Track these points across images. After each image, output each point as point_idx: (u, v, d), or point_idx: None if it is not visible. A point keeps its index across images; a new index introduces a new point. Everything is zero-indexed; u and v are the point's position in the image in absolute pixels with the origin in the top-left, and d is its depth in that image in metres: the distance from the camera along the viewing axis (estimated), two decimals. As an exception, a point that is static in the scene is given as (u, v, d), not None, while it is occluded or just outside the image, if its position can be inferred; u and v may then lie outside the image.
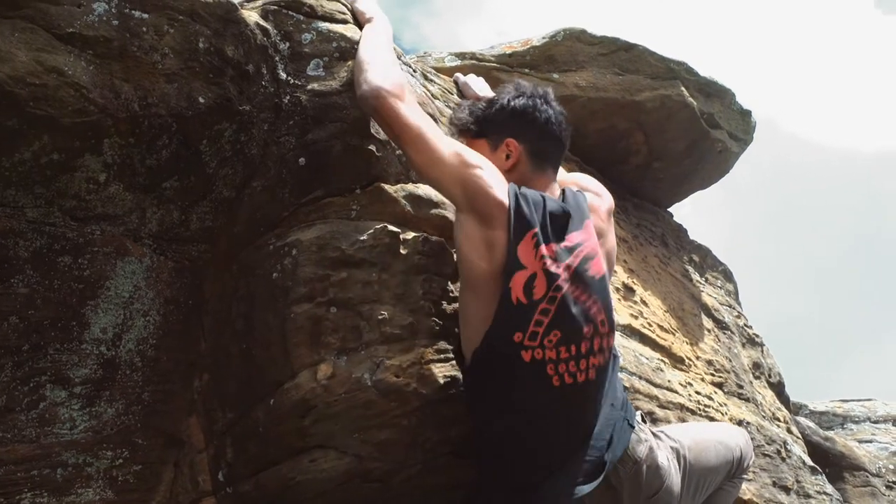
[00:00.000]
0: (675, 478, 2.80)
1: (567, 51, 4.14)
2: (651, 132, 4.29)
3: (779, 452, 3.90)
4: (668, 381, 3.43)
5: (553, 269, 2.59)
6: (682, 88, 4.20)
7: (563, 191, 2.87)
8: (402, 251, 2.80)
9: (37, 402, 2.69)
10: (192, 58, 2.64)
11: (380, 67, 2.75)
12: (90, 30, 2.49)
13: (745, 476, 3.09)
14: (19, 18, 2.42)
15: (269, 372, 2.75)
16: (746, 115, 4.62)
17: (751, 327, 4.80)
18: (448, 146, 2.68)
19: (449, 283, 2.88)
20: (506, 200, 2.61)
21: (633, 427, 2.73)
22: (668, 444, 2.84)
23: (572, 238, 2.69)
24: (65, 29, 2.46)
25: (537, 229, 2.61)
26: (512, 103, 2.94)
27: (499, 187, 2.64)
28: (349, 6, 3.05)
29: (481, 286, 2.61)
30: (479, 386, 2.67)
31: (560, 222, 2.69)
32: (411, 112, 2.67)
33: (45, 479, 2.69)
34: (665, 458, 2.78)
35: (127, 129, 2.59)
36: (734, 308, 4.77)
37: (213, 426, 2.90)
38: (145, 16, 2.58)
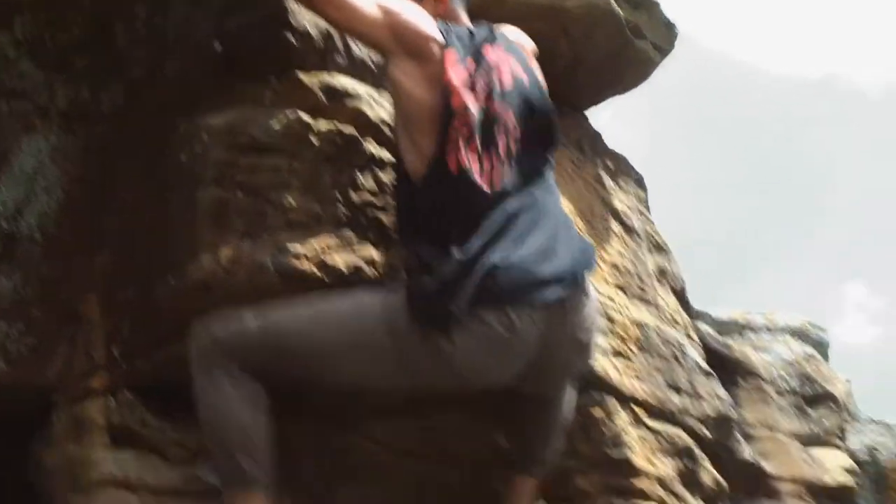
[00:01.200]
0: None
1: (492, -43, 4.14)
2: (576, 39, 4.29)
3: (674, 355, 4.01)
4: (570, 281, 3.51)
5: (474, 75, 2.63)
6: (610, -2, 4.24)
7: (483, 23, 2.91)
8: (314, 140, 2.80)
9: (-69, 276, 2.67)
10: (109, -70, 2.61)
11: None
12: None
13: None
14: None
15: (173, 252, 2.76)
16: (671, 27, 4.64)
17: (658, 234, 4.88)
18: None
19: (358, 173, 2.90)
20: (438, 35, 2.64)
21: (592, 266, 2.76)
22: None
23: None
24: None
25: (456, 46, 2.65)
26: None
27: (428, 24, 2.66)
28: None
29: (426, 119, 2.61)
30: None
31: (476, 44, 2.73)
32: None
33: None
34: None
35: (38, 5, 2.58)
36: (644, 215, 4.84)
37: (111, 303, 2.91)
38: None
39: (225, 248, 2.69)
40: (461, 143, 2.55)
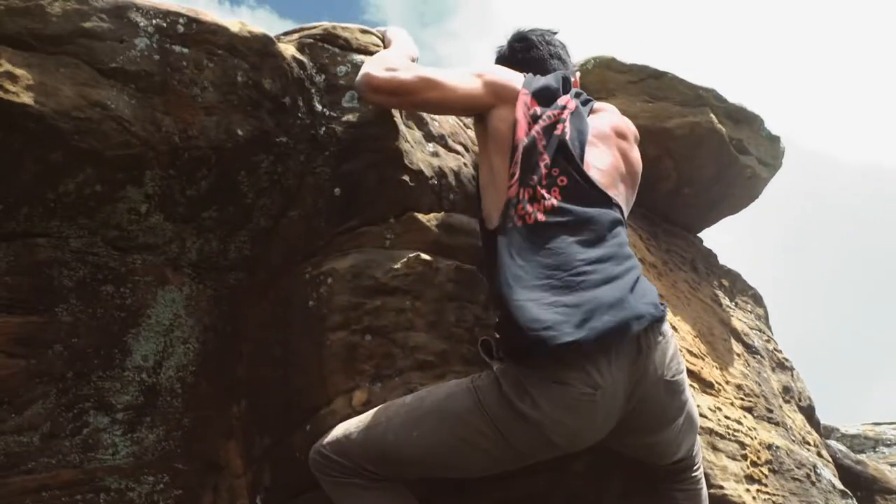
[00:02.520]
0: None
1: (597, 79, 4.21)
2: (680, 158, 4.32)
3: (808, 476, 3.91)
4: (697, 405, 3.46)
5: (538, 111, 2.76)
6: (711, 115, 4.24)
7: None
8: (435, 279, 2.85)
9: (80, 428, 2.77)
10: (230, 91, 2.71)
11: (370, 60, 2.89)
12: (132, 64, 2.57)
13: (687, 481, 3.03)
14: (63, 54, 2.50)
15: (306, 398, 2.80)
16: (775, 140, 4.64)
17: (780, 351, 4.81)
18: (455, 72, 2.83)
19: (482, 310, 2.93)
20: (519, 80, 2.82)
21: (663, 310, 2.70)
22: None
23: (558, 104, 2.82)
24: (108, 64, 2.54)
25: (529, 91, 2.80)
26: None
27: (513, 74, 2.87)
28: (381, 37, 3.11)
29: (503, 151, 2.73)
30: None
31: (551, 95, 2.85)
32: (406, 72, 2.77)
33: None
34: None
35: (168, 161, 2.66)
36: (764, 332, 4.78)
37: (251, 451, 2.96)
38: (185, 50, 2.65)
39: (357, 392, 2.74)
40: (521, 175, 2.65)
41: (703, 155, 4.36)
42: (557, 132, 2.71)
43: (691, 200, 4.57)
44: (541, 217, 2.59)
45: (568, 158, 2.69)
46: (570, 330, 2.41)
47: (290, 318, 2.90)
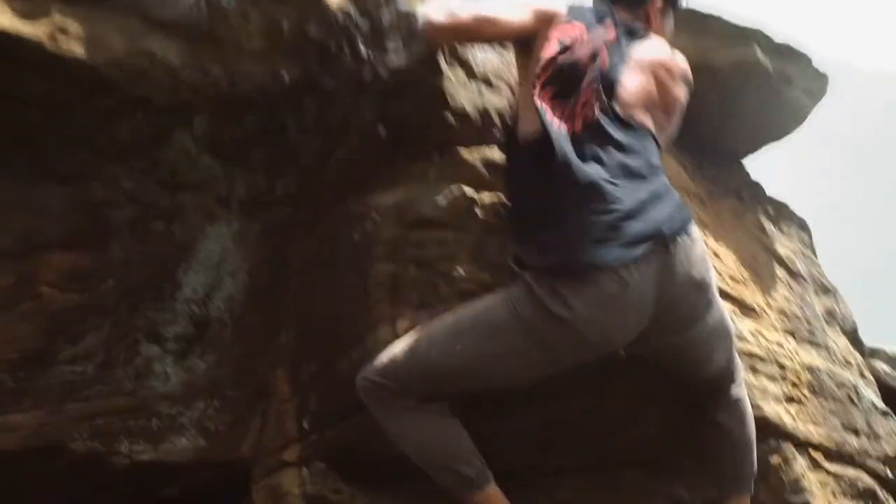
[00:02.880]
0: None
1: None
2: (726, 93, 4.33)
3: (849, 397, 3.97)
4: (739, 330, 3.52)
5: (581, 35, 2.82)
6: (757, 51, 4.26)
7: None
8: (478, 212, 2.92)
9: (133, 358, 2.93)
10: (276, 38, 2.78)
11: (429, 5, 2.95)
12: (179, 14, 2.65)
13: (729, 402, 3.09)
14: (113, 7, 2.59)
15: (352, 326, 2.91)
16: (822, 77, 4.63)
17: (824, 276, 4.84)
18: (507, 8, 2.89)
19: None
20: (563, 10, 2.89)
21: (689, 213, 2.83)
22: None
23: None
24: (156, 14, 2.62)
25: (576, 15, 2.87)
26: None
27: (558, 5, 2.92)
28: None
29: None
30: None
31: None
32: (464, 12, 2.86)
33: (141, 429, 2.94)
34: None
35: (215, 105, 2.77)
36: (808, 257, 4.80)
37: (298, 377, 3.08)
38: (232, 0, 2.73)
39: (401, 320, 2.84)
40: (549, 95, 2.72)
41: (748, 90, 4.37)
42: (594, 57, 2.79)
43: (735, 132, 4.59)
44: (573, 133, 2.68)
45: (602, 82, 2.77)
46: (600, 237, 2.56)
47: (337, 251, 3.02)
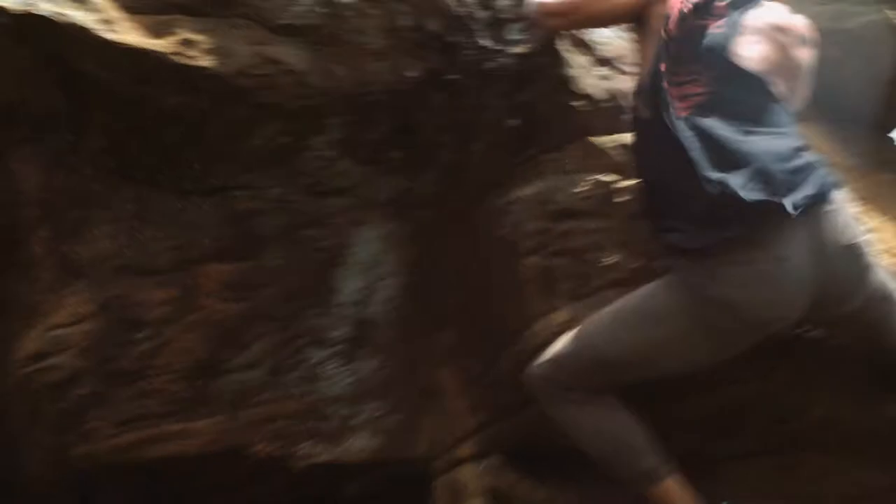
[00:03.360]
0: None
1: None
2: (862, 58, 4.20)
3: None
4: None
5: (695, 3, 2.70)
6: (888, 12, 4.11)
7: None
8: (618, 199, 2.86)
9: (300, 363, 2.97)
10: (396, 35, 2.79)
11: None
12: (300, 19, 2.70)
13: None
14: (236, 16, 2.67)
15: (509, 322, 2.90)
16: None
17: None
18: None
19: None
20: None
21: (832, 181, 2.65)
22: None
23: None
24: (277, 21, 2.68)
25: None
26: None
27: None
28: None
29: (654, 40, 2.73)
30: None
31: None
32: None
33: (316, 431, 2.98)
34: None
35: (345, 108, 2.79)
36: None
37: (465, 375, 3.09)
38: (349, 0, 2.73)
39: (556, 313, 2.80)
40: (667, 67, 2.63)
41: (886, 52, 4.22)
42: (707, 28, 2.69)
43: (879, 99, 4.43)
44: (692, 108, 2.59)
45: (717, 52, 2.67)
46: (746, 213, 2.44)
47: (485, 247, 3.00)
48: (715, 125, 2.56)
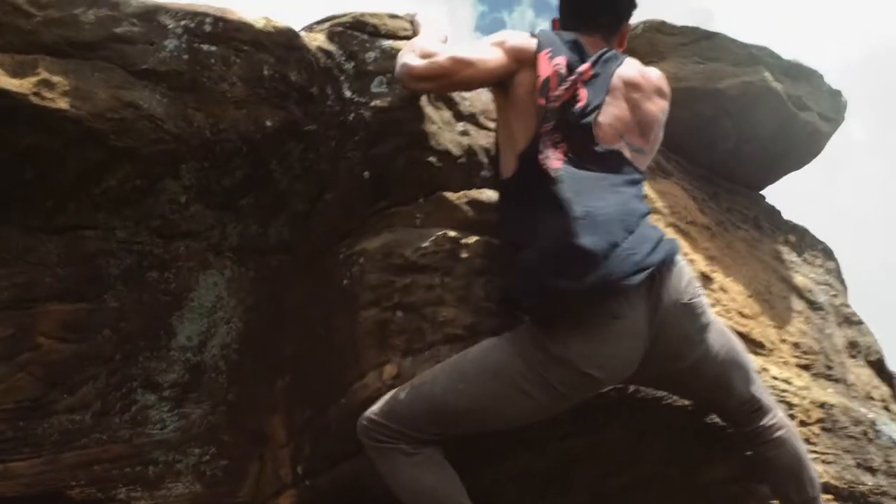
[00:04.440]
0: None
1: (647, 42, 4.21)
2: (737, 118, 4.30)
3: (866, 434, 3.90)
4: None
5: (564, 72, 2.81)
6: (766, 73, 4.21)
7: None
8: (463, 255, 2.92)
9: (129, 406, 2.96)
10: (258, 84, 2.84)
11: (406, 47, 2.95)
12: (163, 65, 2.73)
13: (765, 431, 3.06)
14: (98, 59, 2.68)
15: (342, 373, 2.93)
16: (836, 94, 4.59)
17: (848, 306, 4.75)
18: (479, 46, 2.90)
19: (510, 283, 3.01)
20: (532, 43, 2.87)
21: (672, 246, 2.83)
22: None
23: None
24: (139, 66, 2.70)
25: (551, 48, 2.85)
26: None
27: (523, 37, 2.92)
28: (411, 21, 3.19)
29: (522, 114, 2.82)
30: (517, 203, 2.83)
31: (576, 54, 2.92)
32: (441, 56, 2.83)
33: (138, 476, 2.95)
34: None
35: (201, 154, 2.82)
36: (832, 287, 4.73)
37: (293, 423, 3.10)
38: (213, 48, 2.79)
39: (388, 366, 2.86)
40: (544, 132, 2.74)
41: (760, 113, 4.33)
42: (572, 96, 2.81)
43: (752, 158, 4.54)
44: (553, 169, 2.69)
45: (579, 122, 2.79)
46: (587, 277, 2.57)
47: (328, 296, 3.03)
48: (576, 189, 2.67)
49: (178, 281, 3.00)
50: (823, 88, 4.59)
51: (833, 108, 4.64)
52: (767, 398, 3.12)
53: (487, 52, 2.87)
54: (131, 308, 2.94)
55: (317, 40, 2.99)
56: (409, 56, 2.87)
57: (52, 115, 2.59)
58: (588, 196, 2.68)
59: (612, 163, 2.83)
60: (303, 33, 2.98)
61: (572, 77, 2.81)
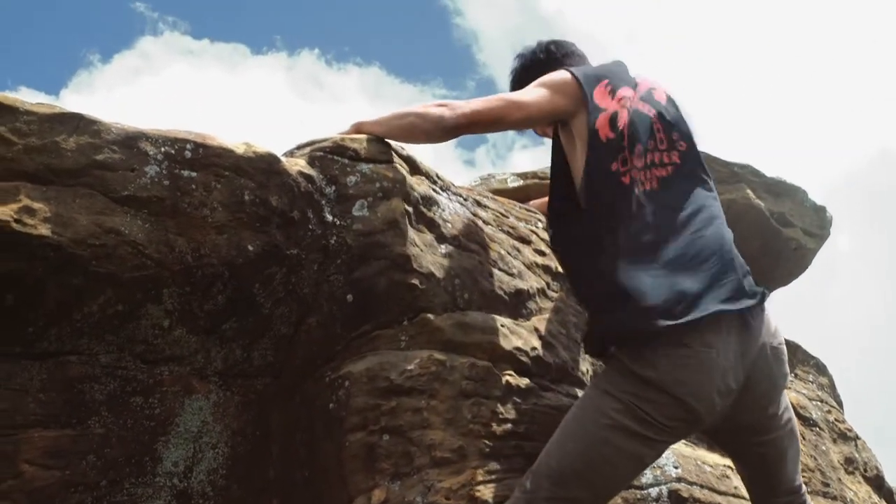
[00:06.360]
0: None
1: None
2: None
3: (867, 554, 3.85)
4: (735, 487, 3.43)
5: (631, 104, 2.88)
6: (748, 191, 4.27)
7: None
8: (450, 377, 2.94)
9: (115, 534, 2.88)
10: (239, 210, 2.84)
11: (401, 112, 3.06)
12: (144, 191, 2.73)
13: None
14: (79, 185, 2.67)
15: (330, 498, 2.90)
16: (820, 210, 4.64)
17: (843, 422, 4.72)
18: (524, 92, 2.98)
19: (498, 405, 2.99)
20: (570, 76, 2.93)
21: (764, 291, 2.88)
22: None
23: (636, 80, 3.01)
24: (120, 192, 2.70)
25: (608, 79, 2.92)
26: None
27: (564, 73, 2.99)
28: (391, 145, 3.20)
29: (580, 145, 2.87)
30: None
31: (622, 74, 3.02)
32: (465, 104, 2.94)
33: None
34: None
35: (183, 279, 2.80)
36: (826, 403, 4.71)
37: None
38: (194, 174, 2.80)
39: (376, 490, 2.83)
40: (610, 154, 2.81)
41: (743, 231, 4.36)
42: (643, 112, 2.92)
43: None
44: (644, 192, 2.80)
45: (659, 135, 2.91)
46: (682, 311, 2.63)
47: (313, 420, 3.01)
48: (665, 216, 2.79)
49: (162, 406, 2.97)
50: (807, 204, 4.63)
51: (818, 223, 4.69)
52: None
53: (533, 95, 2.97)
54: (116, 434, 2.90)
55: (297, 165, 3.00)
56: (424, 109, 2.97)
57: (34, 241, 2.58)
58: (683, 223, 2.82)
59: (697, 179, 3.00)
60: (283, 158, 2.99)
61: (629, 92, 2.97)
